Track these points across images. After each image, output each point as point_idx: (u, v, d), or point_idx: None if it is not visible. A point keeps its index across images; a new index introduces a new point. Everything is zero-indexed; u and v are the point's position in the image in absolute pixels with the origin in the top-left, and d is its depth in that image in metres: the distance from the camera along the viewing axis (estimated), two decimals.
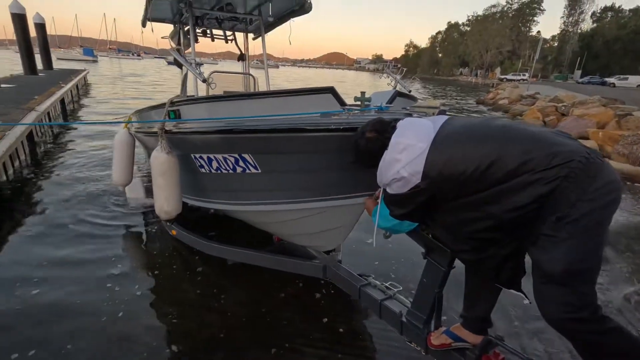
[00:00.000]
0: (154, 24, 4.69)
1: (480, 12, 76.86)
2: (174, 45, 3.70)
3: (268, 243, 3.18)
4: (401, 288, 2.20)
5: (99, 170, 5.44)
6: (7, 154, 4.59)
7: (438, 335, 1.71)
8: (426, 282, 1.72)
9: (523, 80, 37.11)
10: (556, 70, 68.43)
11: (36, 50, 15.69)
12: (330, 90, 1.85)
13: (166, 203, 2.50)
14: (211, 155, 2.36)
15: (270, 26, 4.74)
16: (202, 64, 2.90)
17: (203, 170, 2.57)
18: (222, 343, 2.27)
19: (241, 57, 5.12)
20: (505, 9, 72.16)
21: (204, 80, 2.49)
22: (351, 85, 33.84)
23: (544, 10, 70.59)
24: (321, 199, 2.19)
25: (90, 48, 62.32)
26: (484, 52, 71.35)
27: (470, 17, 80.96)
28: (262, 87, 4.83)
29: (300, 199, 2.25)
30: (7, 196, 4.36)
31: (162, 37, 4.47)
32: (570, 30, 67.05)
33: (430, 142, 1.33)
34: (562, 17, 67.56)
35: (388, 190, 1.48)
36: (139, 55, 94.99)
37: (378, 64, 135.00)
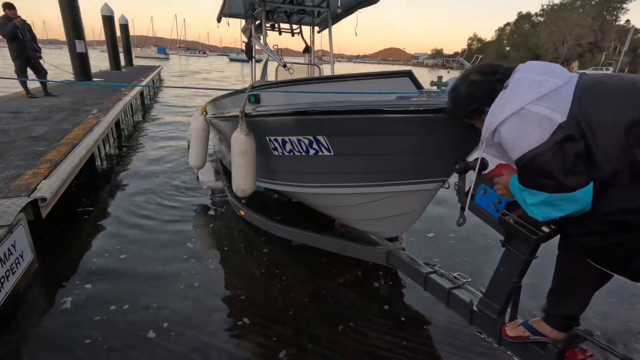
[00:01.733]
0: (220, 23, 5.01)
1: (557, 1, 69.80)
2: (245, 39, 3.92)
3: (329, 229, 3.26)
4: (470, 279, 2.13)
5: (172, 154, 5.95)
6: (101, 138, 5.21)
7: (514, 327, 1.63)
8: (503, 271, 1.65)
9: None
10: None
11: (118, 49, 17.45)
12: (408, 74, 1.85)
13: (243, 182, 2.66)
14: (286, 138, 2.45)
15: (336, 18, 4.78)
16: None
17: (276, 152, 2.68)
18: (289, 317, 2.39)
19: (307, 50, 5.25)
20: None
21: (284, 65, 2.61)
22: None
23: None
24: (391, 183, 2.18)
25: (163, 47, 67.80)
26: (560, 45, 64.84)
27: (544, 7, 74.13)
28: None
29: (371, 182, 2.26)
30: (101, 174, 4.97)
31: (241, 30, 4.74)
32: None
33: (574, 83, 1.16)
34: None
35: (521, 152, 1.19)
36: (204, 53, 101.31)
37: (437, 59, 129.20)
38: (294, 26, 5.21)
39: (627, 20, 63.00)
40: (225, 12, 4.77)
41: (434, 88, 1.92)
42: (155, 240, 3.27)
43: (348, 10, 4.49)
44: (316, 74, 4.71)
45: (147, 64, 26.20)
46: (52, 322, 2.22)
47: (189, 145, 5.81)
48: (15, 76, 6.45)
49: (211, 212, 3.99)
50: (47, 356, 1.97)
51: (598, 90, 1.15)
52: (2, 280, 2.19)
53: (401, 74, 1.84)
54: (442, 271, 2.24)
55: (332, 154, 2.27)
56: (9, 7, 6.25)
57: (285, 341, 2.17)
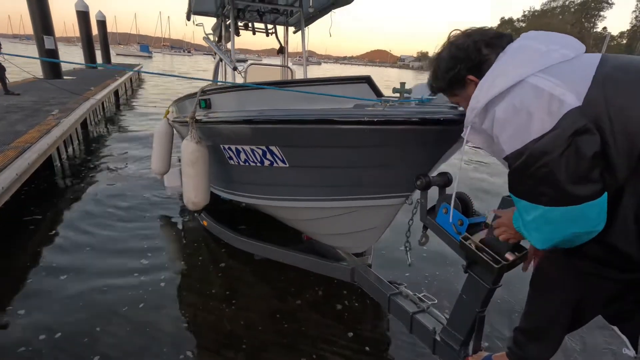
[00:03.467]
0: (202, 19, 4.79)
1: (538, 7, 71.63)
2: (212, 38, 3.70)
3: (298, 241, 3.07)
4: (436, 301, 1.98)
5: (140, 159, 5.65)
6: (61, 141, 4.89)
7: (478, 359, 1.49)
8: (466, 299, 1.50)
9: None
10: None
11: (97, 46, 16.87)
12: (367, 80, 1.68)
13: (194, 193, 2.46)
14: (239, 147, 2.27)
15: (310, 19, 4.64)
16: (247, 60, 2.85)
17: (232, 162, 2.50)
18: (243, 339, 2.19)
19: (280, 50, 5.08)
20: (567, 3, 66.80)
21: (234, 68, 2.41)
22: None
23: (612, 4, 64.42)
24: (351, 197, 2.01)
25: (146, 45, 66.41)
26: None
27: (526, 13, 75.94)
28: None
29: (329, 196, 2.09)
30: (59, 179, 4.65)
31: (212, 29, 4.52)
32: None
33: (596, 60, 0.92)
34: (635, 11, 61.30)
35: (513, 148, 0.93)
36: (189, 52, 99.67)
37: (423, 62, 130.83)
38: (269, 26, 5.03)
39: (604, 28, 65.17)
40: (194, 9, 4.56)
41: (396, 95, 1.72)
42: (105, 254, 3.02)
43: (322, 11, 4.34)
44: (288, 76, 4.53)
45: (129, 62, 25.50)
46: None
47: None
48: None
49: (174, 221, 3.75)
50: None
51: (632, 74, 0.88)
52: None
53: (359, 80, 1.67)
54: (408, 291, 2.08)
55: (287, 165, 2.10)
56: None
57: None
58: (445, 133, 1.53)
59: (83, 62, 15.19)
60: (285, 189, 2.28)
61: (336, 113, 1.63)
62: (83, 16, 14.39)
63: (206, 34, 2.35)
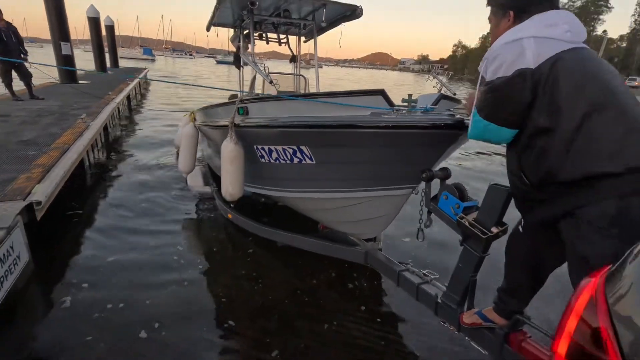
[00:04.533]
0: (209, 32, 5.20)
1: None
2: (233, 48, 4.08)
3: (314, 230, 3.47)
4: (437, 276, 2.38)
5: (159, 157, 6.06)
6: (90, 143, 5.29)
7: (470, 315, 1.88)
8: (462, 267, 1.90)
9: None
10: (623, 73, 62.65)
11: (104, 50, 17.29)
12: (381, 93, 2.09)
13: (231, 186, 2.85)
14: (272, 147, 2.67)
15: (321, 30, 5.02)
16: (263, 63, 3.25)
17: (263, 160, 2.89)
18: (273, 311, 2.59)
19: (293, 59, 5.47)
20: (567, 6, 67.26)
21: (271, 82, 2.83)
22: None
23: (612, 7, 64.93)
24: (367, 189, 2.43)
25: (150, 48, 66.96)
26: None
27: None
28: (312, 86, 5.14)
29: (349, 188, 2.50)
30: (89, 177, 5.05)
31: (230, 39, 4.93)
32: None
33: (571, 47, 1.28)
34: (633, 14, 61.82)
35: (487, 76, 1.36)
36: (191, 54, 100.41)
37: (423, 65, 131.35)
38: (281, 36, 5.42)
39: (604, 31, 65.58)
40: (214, 22, 4.95)
41: (405, 104, 2.14)
42: (144, 242, 3.41)
43: (332, 23, 4.73)
44: (302, 84, 4.92)
45: (133, 65, 25.97)
46: (53, 319, 2.35)
47: (176, 148, 5.97)
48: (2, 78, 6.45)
49: (200, 216, 4.15)
50: (48, 352, 2.11)
51: (571, 62, 1.26)
52: (2, 279, 2.32)
53: (375, 92, 2.07)
54: (414, 269, 2.48)
55: (314, 162, 2.50)
56: None
57: (271, 333, 2.37)
58: (446, 135, 1.94)
59: (93, 66, 15.63)
60: (310, 182, 2.68)
61: (359, 119, 2.04)
62: (94, 22, 14.82)
63: (243, 53, 2.73)
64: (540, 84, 1.26)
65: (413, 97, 2.15)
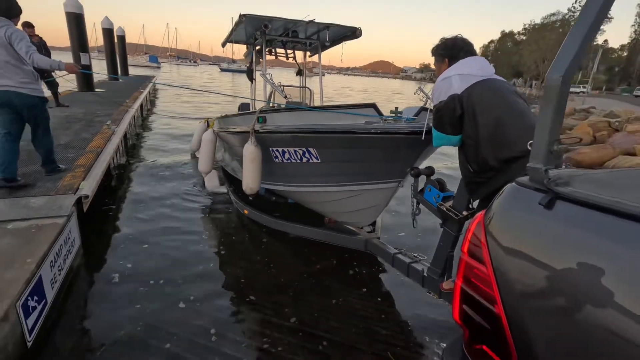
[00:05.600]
0: (224, 47, 5.79)
1: (538, 21, 72.98)
2: (237, 57, 4.73)
3: (320, 224, 3.95)
4: (425, 257, 2.85)
5: (176, 159, 6.58)
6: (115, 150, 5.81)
7: (448, 282, 2.34)
8: (442, 245, 2.37)
9: (582, 92, 34.90)
10: (624, 82, 63.31)
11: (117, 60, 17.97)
12: (373, 106, 2.62)
13: (251, 182, 3.38)
14: (285, 148, 3.22)
15: (325, 47, 5.58)
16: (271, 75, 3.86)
17: (277, 160, 3.42)
18: (287, 288, 3.06)
19: (299, 72, 6.03)
20: (567, 17, 68.17)
21: (285, 97, 3.38)
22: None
23: (612, 18, 65.77)
24: (361, 183, 2.98)
25: (155, 56, 68.22)
26: (540, 62, 67.70)
27: (526, 26, 77.37)
28: (316, 94, 5.70)
29: (347, 182, 3.05)
30: (115, 178, 5.56)
31: (244, 55, 5.51)
32: None
33: (482, 79, 1.92)
34: (633, 25, 62.62)
35: (434, 103, 2.01)
36: (195, 62, 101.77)
37: (425, 73, 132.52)
38: (288, 51, 5.98)
39: (605, 40, 66.46)
40: (230, 39, 5.52)
41: (392, 115, 2.70)
42: (172, 233, 3.91)
43: (335, 42, 5.28)
44: (307, 95, 5.49)
45: (141, 73, 26.72)
46: (107, 291, 2.84)
47: (191, 152, 6.61)
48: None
49: (218, 211, 4.64)
50: (108, 316, 2.59)
51: (482, 87, 1.90)
52: (65, 257, 2.81)
53: (368, 106, 2.66)
54: (406, 252, 2.96)
55: (319, 161, 3.06)
56: (28, 25, 6.83)
57: (287, 305, 2.84)
58: (420, 139, 2.45)
59: (105, 73, 16.29)
60: (316, 178, 3.23)
61: (355, 127, 2.60)
62: (108, 33, 15.54)
63: (263, 74, 3.33)
64: (463, 102, 1.88)
65: (400, 109, 2.67)
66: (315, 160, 3.10)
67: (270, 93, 4.74)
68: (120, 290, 2.85)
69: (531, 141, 0.97)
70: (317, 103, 5.61)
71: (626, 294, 0.65)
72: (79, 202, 3.35)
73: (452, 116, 1.90)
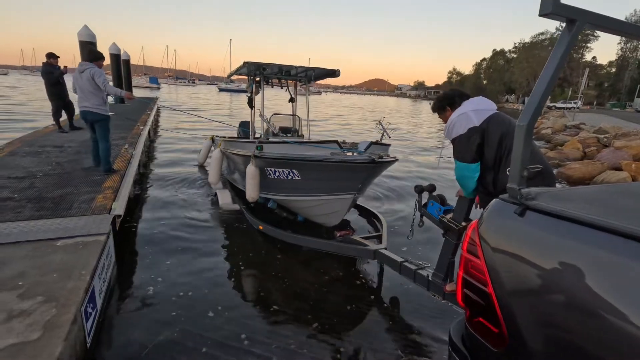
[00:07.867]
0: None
1: (528, 40, 75.39)
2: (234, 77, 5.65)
3: (331, 237, 4.29)
4: (429, 265, 3.19)
5: (186, 178, 6.93)
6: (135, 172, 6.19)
7: (451, 285, 2.67)
8: (444, 252, 2.71)
9: (573, 108, 35.89)
10: (613, 97, 65.04)
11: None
12: (336, 142, 3.97)
13: (252, 193, 4.50)
14: (276, 169, 4.43)
15: (311, 81, 6.37)
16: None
17: (270, 176, 4.58)
18: (305, 296, 3.37)
19: (291, 100, 6.66)
20: (556, 36, 70.48)
21: (274, 133, 5.20)
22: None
23: (598, 36, 68.09)
24: (328, 194, 4.22)
25: (155, 77, 69.58)
26: (531, 79, 69.52)
27: (517, 44, 79.81)
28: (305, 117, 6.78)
29: (318, 194, 4.29)
30: (133, 197, 5.89)
31: (246, 87, 6.22)
32: (630, 55, 64.14)
33: (494, 112, 2.29)
34: (619, 42, 64.86)
35: (452, 137, 2.30)
36: (193, 82, 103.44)
37: (419, 91, 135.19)
38: (283, 82, 6.71)
39: (594, 57, 68.59)
40: (234, 74, 6.30)
41: (351, 148, 3.70)
42: (192, 251, 4.21)
43: (319, 78, 6.33)
44: (297, 122, 6.61)
45: (142, 94, 27.39)
46: (146, 302, 3.14)
47: (198, 164, 7.91)
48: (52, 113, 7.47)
49: (234, 228, 4.97)
50: (148, 322, 2.89)
51: (496, 120, 2.27)
52: (107, 270, 3.12)
53: (333, 142, 4.00)
54: (412, 260, 3.29)
55: (300, 178, 4.30)
56: (52, 56, 7.32)
57: (307, 312, 3.15)
58: (374, 166, 3.79)
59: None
60: (297, 190, 4.45)
61: (323, 157, 3.93)
62: (115, 58, 16.21)
63: (261, 114, 4.91)
64: (483, 132, 2.22)
65: (360, 142, 4.09)
66: (297, 178, 4.34)
67: (267, 130, 6.03)
68: (152, 300, 3.15)
69: (509, 168, 1.34)
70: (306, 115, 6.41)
71: (575, 273, 1.01)
72: (112, 221, 3.69)
73: (473, 144, 2.20)
